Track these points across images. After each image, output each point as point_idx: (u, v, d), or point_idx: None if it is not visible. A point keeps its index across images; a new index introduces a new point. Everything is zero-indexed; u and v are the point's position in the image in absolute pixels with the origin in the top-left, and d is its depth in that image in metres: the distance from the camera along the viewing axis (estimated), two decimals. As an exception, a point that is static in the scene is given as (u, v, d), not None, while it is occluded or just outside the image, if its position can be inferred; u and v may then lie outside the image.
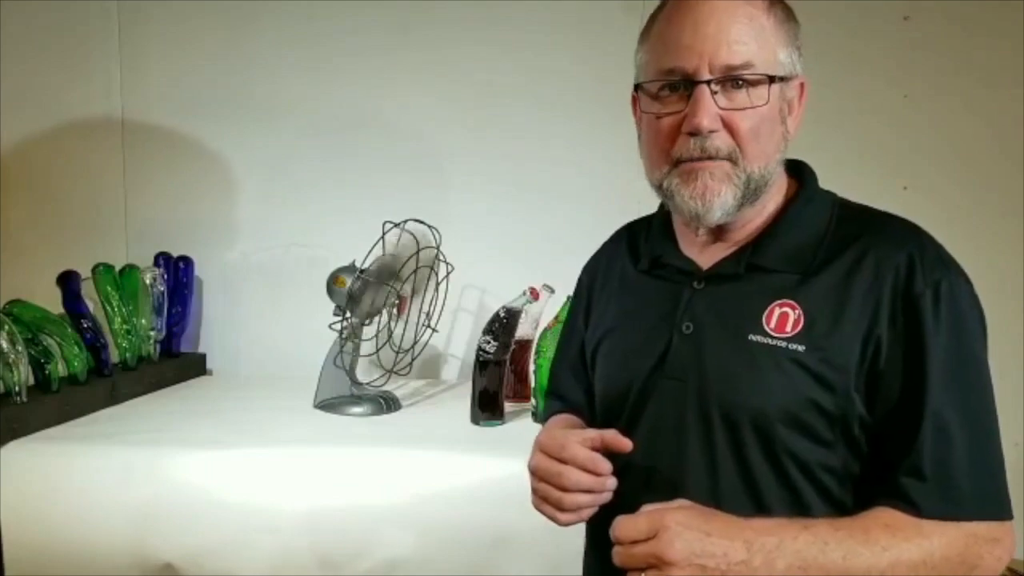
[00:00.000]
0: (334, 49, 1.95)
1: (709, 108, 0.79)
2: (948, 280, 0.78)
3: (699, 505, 0.77)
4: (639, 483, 0.87)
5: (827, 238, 0.84)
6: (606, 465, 0.84)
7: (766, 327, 0.82)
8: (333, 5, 1.93)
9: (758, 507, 0.82)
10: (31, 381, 1.53)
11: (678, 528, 0.72)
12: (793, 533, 0.74)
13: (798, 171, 0.90)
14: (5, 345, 1.46)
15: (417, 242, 1.63)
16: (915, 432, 0.77)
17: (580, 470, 0.84)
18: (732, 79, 0.79)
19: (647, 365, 0.90)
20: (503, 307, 1.62)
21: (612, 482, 0.84)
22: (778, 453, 0.82)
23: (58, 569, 1.35)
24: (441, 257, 1.68)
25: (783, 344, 0.81)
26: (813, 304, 0.81)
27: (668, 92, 0.82)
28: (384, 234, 1.63)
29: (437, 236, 1.66)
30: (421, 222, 1.65)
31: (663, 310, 0.90)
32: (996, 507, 0.78)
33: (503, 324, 1.60)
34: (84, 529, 1.35)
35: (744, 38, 0.79)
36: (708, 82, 0.79)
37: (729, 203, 0.82)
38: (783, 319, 0.82)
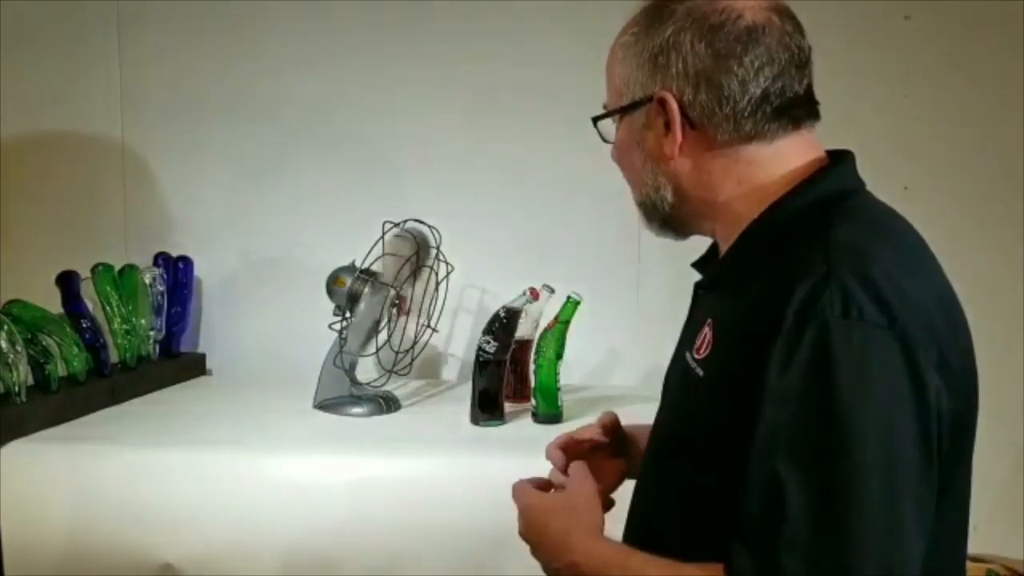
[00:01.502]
0: (335, 49, 1.95)
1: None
2: (825, 325, 0.64)
3: (573, 506, 0.82)
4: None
5: (766, 253, 0.74)
6: (559, 465, 0.94)
7: (695, 345, 0.78)
8: (334, 5, 1.93)
9: (656, 532, 0.80)
10: (31, 381, 1.53)
11: (522, 522, 0.85)
12: (616, 562, 0.75)
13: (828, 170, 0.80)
14: (5, 345, 1.46)
15: (417, 242, 1.64)
16: (746, 491, 0.66)
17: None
18: None
19: (667, 372, 0.91)
20: (503, 307, 1.61)
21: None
22: (678, 481, 0.78)
23: (58, 569, 1.35)
24: (441, 257, 1.68)
25: (693, 365, 0.77)
26: (723, 328, 0.75)
27: None
28: (384, 234, 1.63)
29: (437, 236, 1.66)
30: (421, 222, 1.65)
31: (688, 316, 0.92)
32: None
33: (503, 324, 1.59)
34: (84, 529, 1.35)
35: (606, 81, 0.85)
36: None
37: (643, 223, 0.87)
38: (704, 339, 0.77)
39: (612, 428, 1.00)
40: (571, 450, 0.96)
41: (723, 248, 0.83)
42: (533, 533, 0.83)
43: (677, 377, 0.83)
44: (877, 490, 0.63)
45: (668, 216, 0.83)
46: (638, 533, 0.85)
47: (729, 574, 0.66)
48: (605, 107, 0.85)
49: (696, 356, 0.77)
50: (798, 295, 0.66)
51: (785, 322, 0.65)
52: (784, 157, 0.78)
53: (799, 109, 0.78)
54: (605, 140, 0.86)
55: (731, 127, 0.76)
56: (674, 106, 0.76)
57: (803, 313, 0.65)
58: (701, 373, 0.75)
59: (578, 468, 0.87)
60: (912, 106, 1.79)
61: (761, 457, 0.65)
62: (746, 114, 0.76)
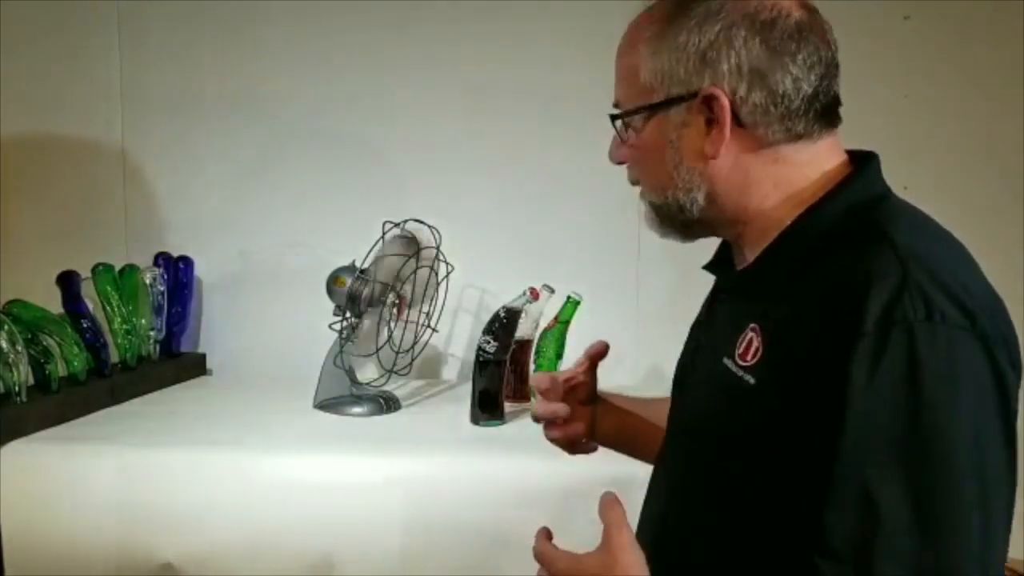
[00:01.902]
0: (334, 48, 1.95)
1: (612, 143, 0.83)
2: (910, 329, 0.63)
3: (614, 563, 0.71)
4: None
5: (806, 257, 0.73)
6: (542, 389, 0.99)
7: (736, 352, 0.75)
8: (334, 6, 1.93)
9: (685, 540, 0.78)
10: (31, 381, 1.53)
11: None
12: None
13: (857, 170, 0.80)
14: (5, 345, 1.46)
15: (417, 242, 1.63)
16: (831, 503, 0.63)
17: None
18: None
19: (679, 373, 0.91)
20: (503, 307, 1.61)
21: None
22: (720, 487, 0.75)
23: (58, 569, 1.35)
24: (441, 257, 1.68)
25: (740, 373, 0.73)
26: (774, 334, 0.72)
27: None
28: (384, 234, 1.63)
29: (437, 236, 1.66)
30: (421, 222, 1.65)
31: (702, 319, 0.91)
32: None
33: (503, 324, 1.59)
34: (84, 529, 1.35)
35: (618, 78, 0.81)
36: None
37: (654, 226, 0.83)
38: (748, 345, 0.74)
39: (598, 357, 1.00)
40: (555, 389, 0.98)
41: (750, 252, 0.80)
42: None
43: (713, 382, 0.78)
44: (972, 493, 0.62)
45: (693, 219, 0.79)
46: (659, 535, 0.84)
47: None
48: (617, 104, 0.81)
49: (742, 363, 0.73)
50: (875, 300, 0.64)
51: (863, 327, 0.63)
52: (820, 159, 0.78)
53: (835, 111, 0.79)
54: (623, 139, 0.82)
55: (783, 127, 0.75)
56: (725, 103, 0.73)
57: (884, 319, 0.63)
58: (752, 380, 0.72)
59: (614, 514, 0.75)
60: (912, 106, 1.79)
61: (849, 467, 0.63)
62: (799, 113, 0.75)
